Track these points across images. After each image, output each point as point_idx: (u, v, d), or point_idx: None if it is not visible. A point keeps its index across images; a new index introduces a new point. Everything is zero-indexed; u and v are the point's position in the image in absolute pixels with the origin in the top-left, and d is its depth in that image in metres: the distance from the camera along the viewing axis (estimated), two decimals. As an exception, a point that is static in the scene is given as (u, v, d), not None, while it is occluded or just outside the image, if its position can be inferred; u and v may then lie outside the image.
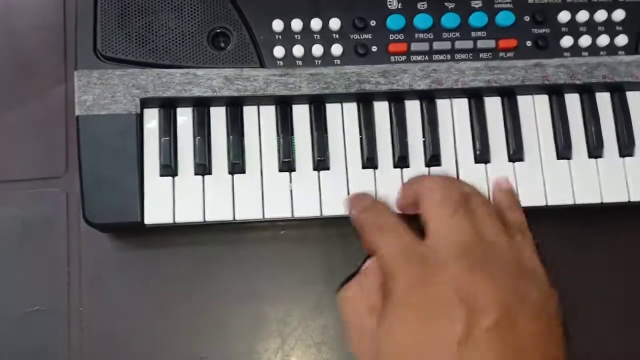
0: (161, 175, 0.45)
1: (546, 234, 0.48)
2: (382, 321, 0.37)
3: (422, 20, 0.47)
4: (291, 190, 0.45)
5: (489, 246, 0.38)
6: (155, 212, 0.44)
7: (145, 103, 0.45)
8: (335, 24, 0.46)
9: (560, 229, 0.49)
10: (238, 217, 0.45)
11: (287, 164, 0.45)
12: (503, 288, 0.36)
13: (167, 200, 0.44)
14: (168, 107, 0.46)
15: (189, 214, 0.44)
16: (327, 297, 0.47)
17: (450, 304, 0.35)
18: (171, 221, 0.44)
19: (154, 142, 0.45)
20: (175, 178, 0.45)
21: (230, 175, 0.45)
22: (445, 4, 0.47)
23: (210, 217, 0.44)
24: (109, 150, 0.44)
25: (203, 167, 0.45)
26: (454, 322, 0.35)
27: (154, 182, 0.45)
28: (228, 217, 0.45)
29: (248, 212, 0.45)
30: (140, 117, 0.45)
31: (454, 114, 0.47)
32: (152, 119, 0.46)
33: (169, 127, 0.45)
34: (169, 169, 0.45)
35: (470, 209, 0.40)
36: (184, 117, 0.46)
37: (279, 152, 0.46)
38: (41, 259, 0.47)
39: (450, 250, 0.38)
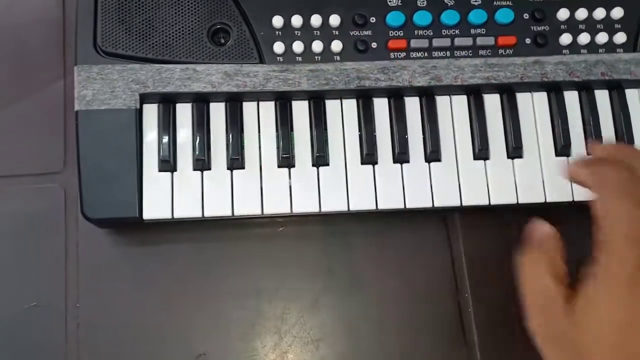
0: (160, 171, 0.45)
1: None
2: (586, 293, 0.34)
3: (422, 17, 0.47)
4: (290, 186, 0.45)
5: None
6: (154, 208, 0.44)
7: (145, 98, 0.45)
8: (335, 20, 0.46)
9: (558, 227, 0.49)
10: (237, 213, 0.45)
11: (286, 160, 0.45)
12: None
13: (165, 196, 0.44)
14: (167, 102, 0.46)
15: (187, 209, 0.44)
16: (325, 294, 0.47)
17: None
18: (170, 216, 0.44)
19: (153, 138, 0.45)
20: (174, 173, 0.45)
21: (229, 171, 0.45)
22: (445, 1, 0.47)
23: (209, 213, 0.44)
24: (108, 145, 0.44)
25: (202, 163, 0.45)
26: None
27: (152, 178, 0.44)
28: (227, 212, 0.44)
29: (247, 207, 0.45)
30: (139, 113, 0.45)
31: (453, 111, 0.48)
32: (151, 115, 0.46)
33: (168, 123, 0.45)
34: (168, 164, 0.45)
35: None
36: (184, 113, 0.46)
37: (278, 148, 0.46)
38: (39, 254, 0.47)
39: None
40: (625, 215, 0.35)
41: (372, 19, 0.47)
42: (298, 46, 0.46)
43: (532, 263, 0.38)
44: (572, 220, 0.48)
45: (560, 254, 0.38)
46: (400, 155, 0.46)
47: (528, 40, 0.47)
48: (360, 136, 0.47)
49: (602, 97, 0.48)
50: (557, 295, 0.36)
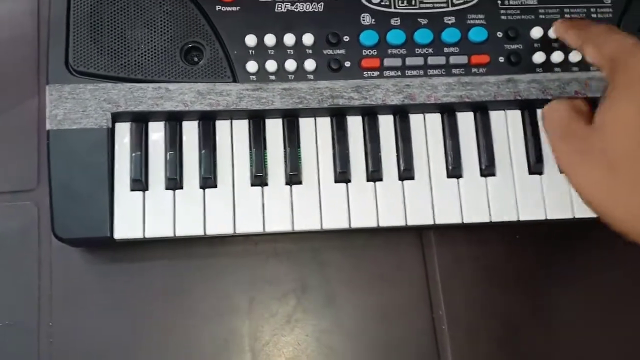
0: (132, 190, 0.45)
1: (517, 250, 0.49)
2: (608, 100, 0.37)
3: (395, 36, 0.47)
4: (263, 205, 0.45)
5: None
6: (125, 227, 0.44)
7: (117, 117, 0.45)
8: (308, 39, 0.46)
9: (532, 244, 0.49)
10: (209, 232, 0.44)
11: (259, 178, 0.45)
12: None
13: (137, 215, 0.44)
14: (140, 121, 0.46)
15: (159, 228, 0.44)
16: (299, 312, 0.47)
17: None
18: (141, 236, 0.44)
19: (125, 157, 0.45)
20: (146, 193, 0.45)
21: (201, 190, 0.45)
22: (418, 19, 0.47)
23: (181, 232, 0.44)
24: (79, 164, 0.44)
25: (174, 182, 0.45)
26: None
27: (124, 197, 0.44)
28: (199, 232, 0.44)
29: (219, 226, 0.45)
30: (111, 132, 0.45)
31: (426, 129, 0.48)
32: (123, 134, 0.45)
33: (140, 142, 0.45)
34: (140, 183, 0.44)
35: None
36: (156, 132, 0.46)
37: (251, 166, 0.46)
38: (11, 272, 0.47)
39: None
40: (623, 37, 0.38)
41: (346, 38, 0.47)
42: (271, 65, 0.46)
43: (552, 106, 0.40)
44: (545, 238, 0.49)
45: (582, 99, 0.41)
46: (374, 174, 0.46)
47: (501, 59, 0.47)
48: (334, 154, 0.47)
49: (575, 115, 0.48)
50: (577, 118, 0.38)
